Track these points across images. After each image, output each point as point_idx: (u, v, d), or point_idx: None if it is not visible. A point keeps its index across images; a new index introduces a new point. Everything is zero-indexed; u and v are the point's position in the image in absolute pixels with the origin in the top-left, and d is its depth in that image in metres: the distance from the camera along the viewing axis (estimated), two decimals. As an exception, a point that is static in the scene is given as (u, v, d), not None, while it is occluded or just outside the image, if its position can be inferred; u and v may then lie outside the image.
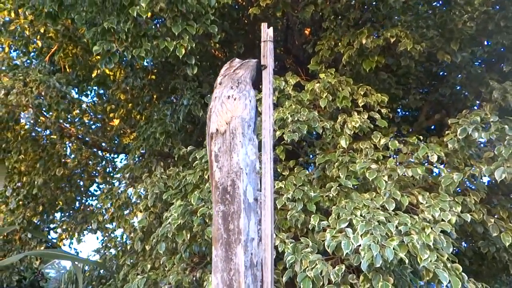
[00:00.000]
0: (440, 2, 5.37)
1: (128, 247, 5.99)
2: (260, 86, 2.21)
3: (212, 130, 2.02)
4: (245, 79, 2.10)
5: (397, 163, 4.45)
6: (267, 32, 2.35)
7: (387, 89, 5.65)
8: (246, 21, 6.91)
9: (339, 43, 5.34)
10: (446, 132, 4.50)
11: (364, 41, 4.94)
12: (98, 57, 5.04)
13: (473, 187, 4.47)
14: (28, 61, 7.17)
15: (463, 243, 5.37)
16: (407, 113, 6.82)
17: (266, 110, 2.20)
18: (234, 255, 1.74)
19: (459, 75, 5.53)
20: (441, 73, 5.89)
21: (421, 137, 4.63)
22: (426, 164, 4.41)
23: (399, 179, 4.39)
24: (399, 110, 6.83)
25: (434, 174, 4.76)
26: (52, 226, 8.02)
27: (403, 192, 4.25)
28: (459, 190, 4.37)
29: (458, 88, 5.75)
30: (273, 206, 3.96)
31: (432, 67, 5.80)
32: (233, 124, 1.97)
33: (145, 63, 6.42)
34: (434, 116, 6.04)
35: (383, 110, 4.91)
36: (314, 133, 5.06)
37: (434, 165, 4.44)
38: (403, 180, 4.45)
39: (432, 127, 6.44)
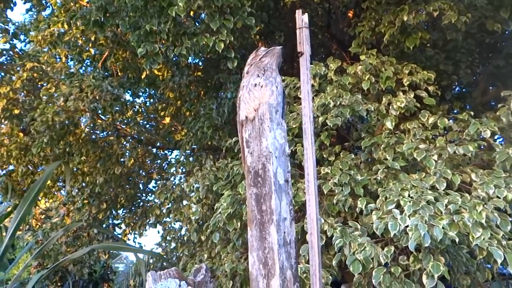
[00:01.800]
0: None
1: (185, 239, 6.30)
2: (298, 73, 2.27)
3: (242, 118, 2.14)
4: (271, 66, 2.19)
5: (448, 142, 4.33)
6: (302, 19, 2.40)
7: (435, 66, 5.48)
8: (285, 10, 6.96)
9: (380, 23, 5.25)
10: (500, 105, 4.31)
11: (405, 18, 4.82)
12: (144, 59, 5.32)
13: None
14: (83, 68, 7.70)
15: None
16: (459, 89, 6.54)
17: (305, 97, 2.28)
18: (268, 234, 1.85)
19: (515, 44, 5.23)
20: (494, 44, 5.60)
21: (472, 113, 4.46)
22: (479, 140, 4.26)
23: (450, 158, 4.28)
24: (453, 87, 6.57)
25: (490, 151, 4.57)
26: (116, 222, 8.59)
27: (454, 171, 4.13)
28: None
29: (513, 58, 5.45)
30: (319, 191, 4.02)
31: (483, 38, 5.53)
32: (261, 110, 2.06)
33: (189, 60, 6.67)
34: (490, 90, 5.76)
35: (431, 88, 4.78)
36: (359, 116, 5.03)
37: (489, 141, 4.28)
38: (454, 158, 4.33)
39: (490, 102, 6.14)
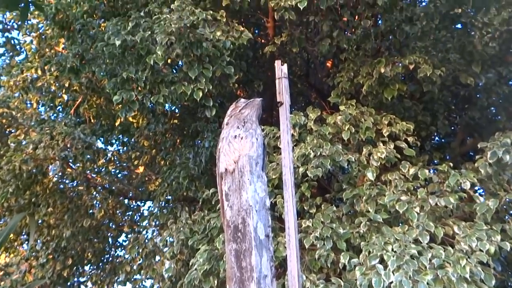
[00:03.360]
0: (459, 25, 5.47)
1: (157, 298, 6.07)
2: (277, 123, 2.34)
3: (221, 170, 2.15)
4: (251, 118, 2.25)
5: (429, 193, 4.42)
6: (281, 69, 2.50)
7: (413, 117, 5.70)
8: (264, 59, 7.22)
9: (359, 74, 5.49)
10: (478, 157, 4.48)
11: (383, 70, 5.07)
12: (120, 106, 5.36)
13: (513, 214, 4.37)
14: (55, 115, 7.67)
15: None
16: (438, 140, 6.78)
17: (285, 147, 2.33)
18: (247, 293, 1.82)
19: (490, 97, 5.52)
20: (469, 96, 5.90)
21: (452, 164, 4.61)
22: (459, 192, 4.37)
23: (432, 210, 4.36)
24: (432, 137, 6.81)
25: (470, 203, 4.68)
26: (82, 279, 8.24)
27: (437, 223, 4.20)
28: (500, 217, 4.28)
29: (489, 110, 5.73)
30: (300, 245, 3.99)
31: (458, 90, 5.83)
32: (241, 163, 2.09)
33: (166, 108, 6.75)
34: (467, 141, 5.99)
35: (410, 139, 4.95)
36: (340, 167, 5.12)
37: (469, 193, 4.39)
38: (436, 210, 4.41)
39: (469, 153, 6.37)
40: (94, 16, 6.07)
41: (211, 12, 5.19)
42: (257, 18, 7.25)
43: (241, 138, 2.15)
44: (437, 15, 5.24)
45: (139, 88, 5.05)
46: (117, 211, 8.11)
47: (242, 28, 5.42)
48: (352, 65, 5.65)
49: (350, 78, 5.57)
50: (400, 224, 4.39)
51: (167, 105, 6.27)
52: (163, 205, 6.69)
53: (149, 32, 4.95)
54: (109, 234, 7.98)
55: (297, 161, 4.62)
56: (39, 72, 6.81)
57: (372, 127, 4.93)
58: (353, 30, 5.74)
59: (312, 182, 4.78)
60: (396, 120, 5.05)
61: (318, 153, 4.61)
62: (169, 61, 5.39)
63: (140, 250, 6.23)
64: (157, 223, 6.61)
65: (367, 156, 4.80)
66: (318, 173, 4.49)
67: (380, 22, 5.96)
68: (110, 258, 8.08)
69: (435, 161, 5.93)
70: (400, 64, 5.08)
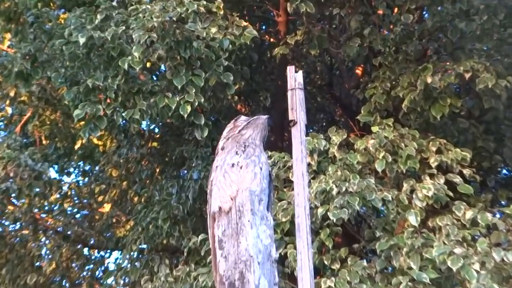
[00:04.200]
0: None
1: None
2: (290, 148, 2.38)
3: (214, 209, 2.20)
4: (253, 141, 2.32)
5: (493, 245, 4.44)
6: (295, 77, 2.56)
7: (471, 142, 5.75)
8: (273, 64, 7.36)
9: (398, 85, 5.58)
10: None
11: (430, 80, 5.16)
12: (82, 123, 5.45)
13: None
14: (-6, 134, 7.79)
15: None
16: (505, 173, 6.80)
17: (299, 180, 2.38)
18: None
19: None
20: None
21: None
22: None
23: (496, 268, 4.35)
24: (497, 170, 6.82)
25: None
26: None
27: (504, 286, 4.20)
28: None
29: None
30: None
31: (532, 107, 5.90)
32: (240, 199, 2.15)
33: (143, 127, 6.85)
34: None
35: (467, 171, 4.99)
36: (373, 208, 5.15)
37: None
38: (502, 268, 4.41)
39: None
40: (51, 5, 6.23)
41: (205, 2, 5.33)
42: (265, 10, 7.43)
43: (241, 168, 2.22)
44: (502, 8, 5.34)
45: (108, 100, 5.15)
46: (73, 264, 8.11)
47: (245, 24, 5.54)
48: (389, 73, 5.74)
49: (387, 90, 5.65)
50: (454, 286, 4.39)
51: (144, 123, 6.39)
52: (135, 256, 6.70)
53: (123, 28, 5.08)
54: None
55: (314, 199, 4.66)
56: (-24, 77, 6.95)
57: (416, 155, 4.98)
58: (390, 27, 5.86)
59: (335, 227, 4.80)
60: (448, 146, 5.10)
61: (343, 189, 4.66)
62: (148, 65, 5.52)
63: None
64: (127, 280, 6.61)
65: (409, 194, 4.83)
66: (343, 216, 4.53)
67: (426, 16, 6.09)
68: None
69: (501, 202, 5.93)
70: (452, 72, 5.16)
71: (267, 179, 2.27)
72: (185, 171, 6.61)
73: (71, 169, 8.57)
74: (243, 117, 2.45)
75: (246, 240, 2.09)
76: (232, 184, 2.19)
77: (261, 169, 2.25)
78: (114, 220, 8.21)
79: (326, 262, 4.82)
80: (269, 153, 5.11)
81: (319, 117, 8.79)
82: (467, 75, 5.04)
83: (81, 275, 8.21)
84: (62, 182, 8.46)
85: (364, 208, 4.80)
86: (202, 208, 6.67)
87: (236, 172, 2.22)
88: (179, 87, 5.05)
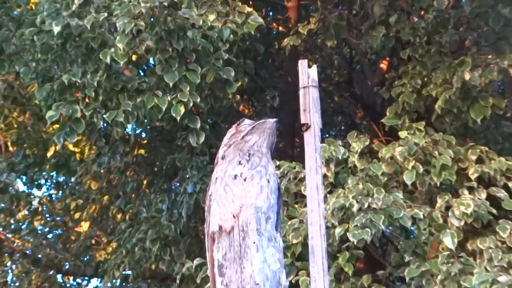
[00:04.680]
0: None
1: None
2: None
3: (213, 228, 2.20)
4: (259, 148, 2.31)
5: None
6: (308, 73, 2.56)
7: (518, 150, 5.75)
8: (282, 58, 7.37)
9: (430, 82, 5.59)
10: None
11: (468, 76, 5.16)
12: (56, 126, 5.46)
13: None
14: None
15: None
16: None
17: (312, 195, 2.38)
18: None
19: None
20: None
21: None
22: None
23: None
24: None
25: None
26: None
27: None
28: None
29: None
30: None
31: None
32: (244, 217, 2.14)
33: (128, 131, 6.86)
34: None
35: (512, 184, 4.99)
36: (401, 227, 5.15)
37: None
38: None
39: None
40: (21, -12, 6.26)
41: (201, -16, 5.38)
42: (272, -7, 7.45)
43: (245, 180, 2.23)
44: (554, -8, 5.35)
45: (87, 100, 5.17)
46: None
47: (249, 9, 5.57)
48: (419, 68, 5.74)
49: (417, 88, 5.65)
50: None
51: (129, 127, 6.39)
52: (118, 284, 6.71)
53: (105, 15, 5.09)
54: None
55: (331, 217, 4.66)
56: None
57: (452, 165, 4.98)
58: (421, 13, 5.86)
59: (355, 250, 4.80)
60: (490, 154, 5.10)
61: (366, 205, 4.66)
62: (134, 58, 5.53)
63: None
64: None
65: (444, 212, 4.83)
66: (365, 237, 4.52)
67: (463, 1, 6.08)
68: None
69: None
70: (495, 67, 5.16)
71: (275, 194, 2.27)
72: (178, 184, 6.62)
73: (42, 181, 8.57)
74: (247, 121, 2.45)
75: (251, 265, 2.09)
76: (234, 199, 2.20)
77: (268, 181, 2.25)
78: (93, 241, 8.21)
79: (345, 292, 4.82)
80: (278, 162, 5.11)
81: (336, 120, 8.80)
82: (512, 71, 5.06)
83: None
84: (32, 196, 8.46)
85: (391, 227, 4.80)
86: (198, 227, 6.67)
87: (239, 185, 2.22)
88: (171, 84, 5.06)
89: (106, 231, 8.02)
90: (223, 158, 2.36)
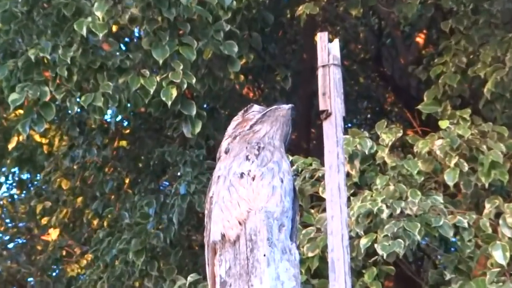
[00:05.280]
0: None
1: None
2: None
3: (214, 238, 2.20)
4: (271, 140, 2.31)
5: None
6: (327, 49, 2.56)
7: None
8: (296, 29, 7.37)
9: (478, 59, 5.58)
10: None
11: (524, 53, 5.16)
12: (20, 112, 5.47)
13: None
14: None
15: None
16: None
17: (333, 198, 2.38)
18: None
19: None
20: None
21: None
22: None
23: None
24: None
25: None
26: None
27: None
28: None
29: None
30: None
31: None
32: (252, 224, 2.15)
33: (108, 118, 6.87)
34: None
35: None
36: (440, 238, 5.16)
37: None
38: None
39: None
40: None
41: None
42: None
43: (253, 179, 2.24)
44: None
45: (58, 80, 5.17)
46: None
47: (256, -30, 5.59)
48: (464, 43, 5.74)
49: (461, 68, 5.65)
50: None
51: (109, 113, 6.40)
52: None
53: (81, -25, 5.12)
54: None
55: (356, 226, 4.67)
56: None
57: (504, 163, 4.98)
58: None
59: (385, 266, 4.82)
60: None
61: (398, 211, 4.66)
62: (115, 29, 5.54)
63: None
64: None
65: (493, 219, 4.84)
66: (396, 250, 4.53)
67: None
68: None
69: None
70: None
71: (290, 196, 2.28)
72: (168, 183, 6.64)
73: (2, 178, 8.61)
74: (256, 107, 2.46)
75: (260, 283, 2.10)
76: (240, 202, 2.20)
77: (282, 181, 2.26)
78: (63, 253, 8.23)
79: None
80: (290, 158, 5.11)
81: (362, 106, 8.80)
82: None
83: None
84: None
85: (428, 238, 4.80)
86: (192, 236, 6.70)
87: (247, 185, 2.22)
88: (161, 61, 5.07)
89: (79, 240, 8.03)
90: (227, 152, 2.36)
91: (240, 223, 2.19)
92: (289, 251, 2.20)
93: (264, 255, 2.14)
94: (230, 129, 2.44)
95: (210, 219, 2.29)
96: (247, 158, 2.28)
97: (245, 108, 2.48)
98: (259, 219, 2.18)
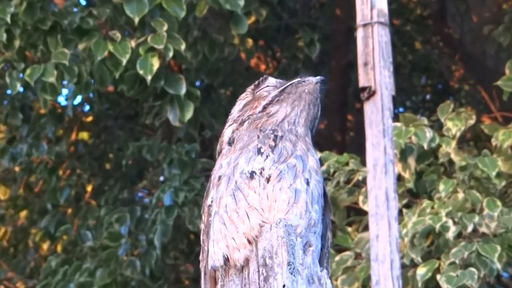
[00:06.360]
0: None
1: None
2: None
3: (214, 262, 2.22)
4: (292, 127, 2.32)
5: None
6: (370, 3, 2.61)
7: None
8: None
9: None
10: None
11: None
12: None
13: None
14: None
15: None
16: None
17: (378, 210, 2.43)
18: None
19: None
20: None
21: None
22: None
23: None
24: None
25: None
26: None
27: None
28: None
29: None
30: None
31: None
32: (266, 243, 2.18)
33: (61, 102, 6.91)
34: None
35: None
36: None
37: None
38: None
39: None
40: None
41: None
42: None
43: (267, 180, 2.23)
44: None
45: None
46: None
47: None
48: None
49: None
50: None
51: (64, 93, 6.44)
52: None
53: None
54: None
55: (411, 249, 4.69)
56: None
57: None
58: None
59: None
60: None
61: (469, 228, 4.69)
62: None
63: None
64: None
65: None
66: (467, 283, 4.56)
67: None
68: None
69: None
70: None
71: (319, 204, 2.28)
72: (146, 191, 6.68)
73: None
74: (271, 80, 2.46)
75: (279, 326, 2.13)
76: (250, 212, 2.20)
77: (308, 183, 2.25)
78: (1, 287, 8.30)
79: None
80: (319, 154, 5.13)
81: (418, 83, 8.82)
82: None
83: None
84: None
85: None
86: (180, 266, 6.74)
87: (259, 189, 2.22)
88: (136, 20, 5.09)
89: (23, 271, 8.09)
90: (231, 143, 2.36)
91: (249, 242, 2.18)
92: (318, 281, 2.21)
93: (284, 286, 2.15)
94: (235, 111, 2.44)
95: (208, 236, 2.29)
96: (259, 151, 2.26)
97: (257, 82, 2.47)
98: (276, 236, 2.19)
